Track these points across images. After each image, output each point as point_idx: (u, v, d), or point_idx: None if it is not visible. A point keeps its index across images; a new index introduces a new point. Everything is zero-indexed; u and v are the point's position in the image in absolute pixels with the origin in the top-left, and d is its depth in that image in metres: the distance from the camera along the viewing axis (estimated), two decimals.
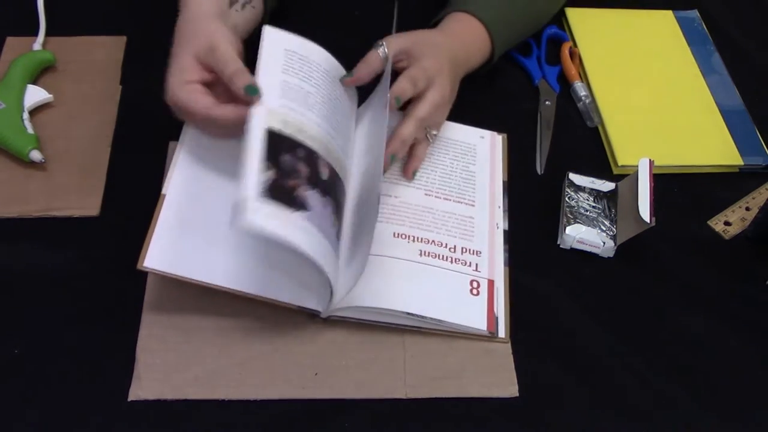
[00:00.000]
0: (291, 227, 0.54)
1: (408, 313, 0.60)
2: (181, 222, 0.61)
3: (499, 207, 0.70)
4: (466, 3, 0.74)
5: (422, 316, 0.61)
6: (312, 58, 0.66)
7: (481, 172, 0.72)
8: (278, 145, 0.57)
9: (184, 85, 0.61)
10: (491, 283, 0.65)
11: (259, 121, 0.58)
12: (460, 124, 0.75)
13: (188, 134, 0.67)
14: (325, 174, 0.60)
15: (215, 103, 0.60)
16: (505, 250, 0.68)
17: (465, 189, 0.70)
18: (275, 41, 0.65)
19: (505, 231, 0.69)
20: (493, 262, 0.66)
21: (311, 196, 0.57)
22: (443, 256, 0.65)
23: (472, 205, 0.69)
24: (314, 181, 0.58)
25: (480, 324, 0.62)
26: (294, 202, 0.55)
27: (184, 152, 0.66)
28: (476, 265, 0.65)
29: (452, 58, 0.70)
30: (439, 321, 0.61)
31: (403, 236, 0.65)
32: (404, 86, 0.65)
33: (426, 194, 0.69)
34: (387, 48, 0.66)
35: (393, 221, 0.66)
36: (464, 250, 0.66)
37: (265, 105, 0.59)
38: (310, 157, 0.59)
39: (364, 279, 0.58)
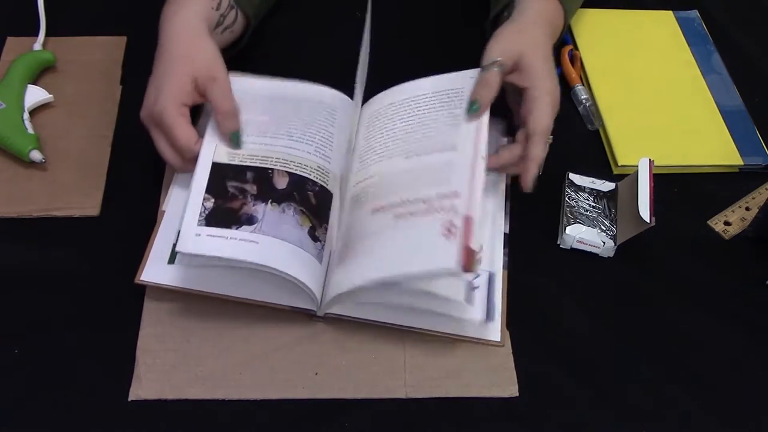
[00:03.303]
0: (233, 243, 0.59)
1: (376, 281, 0.57)
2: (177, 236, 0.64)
3: (484, 144, 0.63)
4: None
5: (392, 279, 0.56)
6: (260, 92, 0.70)
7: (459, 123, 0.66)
8: (223, 175, 0.63)
9: (180, 107, 0.63)
10: (468, 219, 0.57)
11: (205, 158, 0.64)
12: (449, 73, 0.70)
13: None
14: (281, 183, 0.64)
15: (197, 139, 0.64)
16: (504, 254, 0.67)
17: (447, 135, 0.65)
18: (239, 93, 0.68)
19: (505, 234, 0.69)
20: (473, 198, 0.58)
21: (260, 209, 0.62)
22: (417, 211, 0.59)
23: (454, 150, 0.63)
24: (266, 195, 0.63)
25: (448, 262, 0.54)
26: (237, 220, 0.60)
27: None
28: (452, 206, 0.58)
29: (546, 49, 0.67)
30: (407, 275, 0.56)
31: (381, 209, 0.61)
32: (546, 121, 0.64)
33: (407, 158, 0.65)
34: (501, 60, 0.64)
35: (371, 198, 0.63)
36: (439, 196, 0.60)
37: (213, 142, 0.65)
38: (261, 174, 0.64)
39: (344, 268, 0.60)
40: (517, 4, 0.70)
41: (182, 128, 0.63)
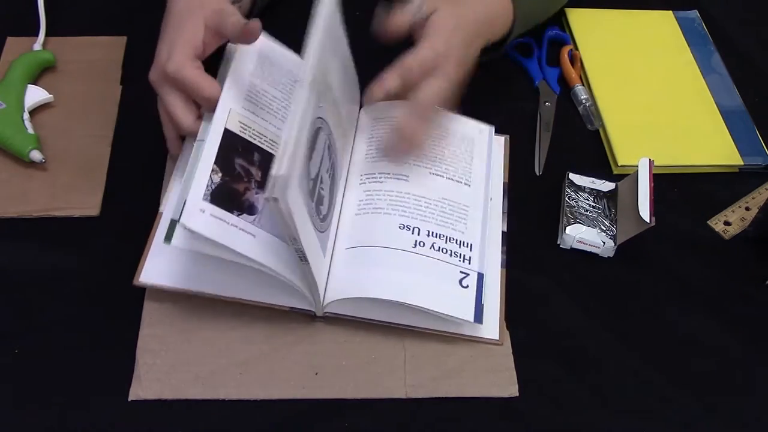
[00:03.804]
0: (233, 231, 0.56)
1: (394, 302, 0.59)
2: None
3: (491, 199, 0.68)
4: None
5: (409, 304, 0.59)
6: (283, 64, 0.67)
7: (479, 161, 0.70)
8: (233, 147, 0.59)
9: (193, 60, 0.61)
10: (480, 277, 0.63)
11: (218, 122, 0.59)
12: (459, 115, 0.72)
13: (185, 152, 0.68)
14: None
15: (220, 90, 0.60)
16: (503, 252, 0.67)
17: (463, 172, 0.68)
18: (330, 19, 0.64)
19: (503, 233, 0.69)
20: (483, 255, 0.64)
21: (261, 198, 0.59)
22: (437, 247, 0.63)
23: (468, 185, 0.68)
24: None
25: (467, 315, 0.60)
26: (240, 206, 0.57)
27: (181, 169, 0.67)
28: (468, 258, 0.64)
29: (470, 32, 0.66)
30: (427, 309, 0.60)
31: (408, 228, 0.63)
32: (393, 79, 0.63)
33: (431, 173, 0.67)
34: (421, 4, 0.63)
35: (398, 210, 0.64)
36: (457, 242, 0.64)
37: (227, 105, 0.60)
38: (268, 159, 0.61)
39: (353, 271, 0.60)
40: None
41: (207, 79, 0.60)
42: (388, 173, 0.67)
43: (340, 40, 0.66)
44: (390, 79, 0.63)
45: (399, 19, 0.64)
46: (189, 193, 0.55)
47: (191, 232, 0.54)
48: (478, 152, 0.71)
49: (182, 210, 0.54)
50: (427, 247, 0.62)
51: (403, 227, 0.63)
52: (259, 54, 0.65)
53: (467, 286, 0.62)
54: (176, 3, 0.64)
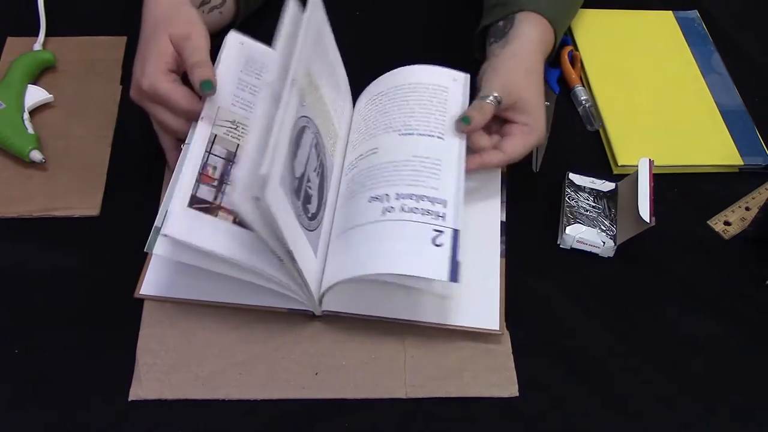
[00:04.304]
0: (214, 235, 0.56)
1: (366, 277, 0.57)
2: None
3: (463, 148, 0.65)
4: (529, 2, 0.72)
5: (381, 274, 0.57)
6: (330, 50, 0.67)
7: (454, 112, 0.67)
8: (219, 150, 0.60)
9: (166, 74, 0.61)
10: (456, 233, 0.59)
11: (203, 126, 0.59)
12: (430, 65, 0.70)
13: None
14: None
15: (198, 99, 0.61)
16: (502, 242, 0.67)
17: (435, 124, 0.66)
18: (236, 48, 0.66)
19: (502, 222, 0.69)
20: (458, 212, 0.60)
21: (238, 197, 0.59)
22: (407, 208, 0.60)
23: (441, 138, 0.65)
24: None
25: (440, 274, 0.56)
26: (225, 210, 0.57)
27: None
28: (441, 214, 0.60)
29: (540, 77, 0.70)
30: (398, 273, 0.56)
31: (377, 198, 0.62)
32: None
33: (401, 134, 0.66)
34: (495, 94, 0.65)
35: (368, 183, 0.63)
36: (429, 199, 0.61)
37: (214, 110, 0.61)
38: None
39: (333, 260, 0.60)
40: (513, 25, 0.71)
41: (179, 91, 0.60)
42: (361, 154, 0.66)
43: (325, 40, 0.66)
44: (496, 160, 0.67)
45: (481, 119, 0.65)
46: (172, 200, 0.56)
47: (173, 239, 0.54)
48: (452, 102, 0.68)
49: (164, 217, 0.55)
50: (397, 210, 0.60)
51: (373, 199, 0.62)
52: (246, 57, 0.66)
53: (441, 245, 0.58)
54: (146, 21, 0.65)
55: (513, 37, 0.70)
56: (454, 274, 0.56)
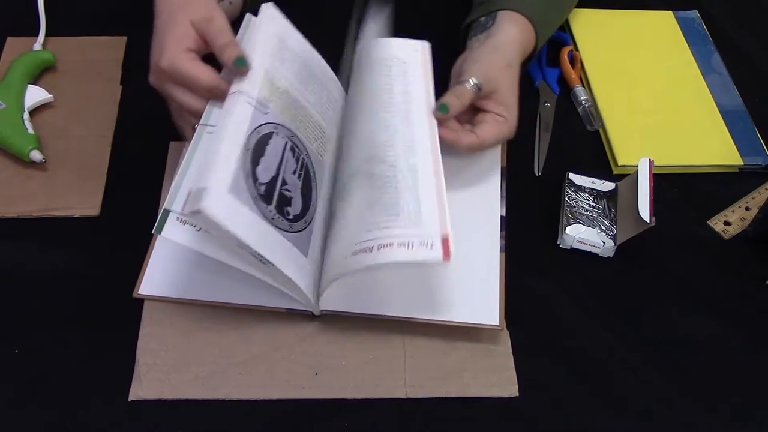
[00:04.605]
0: (246, 222, 0.54)
1: (363, 269, 0.56)
2: (174, 249, 0.64)
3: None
4: (510, 1, 0.73)
5: (378, 264, 0.55)
6: (297, 50, 0.67)
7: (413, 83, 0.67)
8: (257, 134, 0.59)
9: (185, 53, 0.60)
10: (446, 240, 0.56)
11: (244, 108, 0.58)
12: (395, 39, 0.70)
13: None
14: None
15: (219, 76, 0.60)
16: (501, 237, 0.67)
17: (403, 109, 0.65)
18: (271, 25, 0.65)
19: (502, 217, 0.69)
20: (444, 217, 0.58)
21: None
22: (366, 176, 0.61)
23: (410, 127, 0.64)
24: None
25: (435, 257, 0.55)
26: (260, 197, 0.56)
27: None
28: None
29: (517, 73, 0.70)
30: (396, 263, 0.55)
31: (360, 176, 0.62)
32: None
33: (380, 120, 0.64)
34: (476, 81, 0.66)
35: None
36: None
37: (249, 91, 0.60)
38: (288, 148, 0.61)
39: (327, 260, 0.60)
40: (494, 22, 0.72)
41: (201, 68, 0.60)
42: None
43: (290, 45, 0.67)
44: (468, 141, 0.66)
45: (459, 104, 0.66)
46: (211, 177, 0.53)
47: (210, 221, 0.51)
48: (413, 75, 0.68)
49: (188, 197, 0.53)
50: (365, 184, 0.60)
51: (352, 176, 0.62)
52: (278, 39, 0.65)
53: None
54: (161, 9, 0.64)
55: (494, 32, 0.71)
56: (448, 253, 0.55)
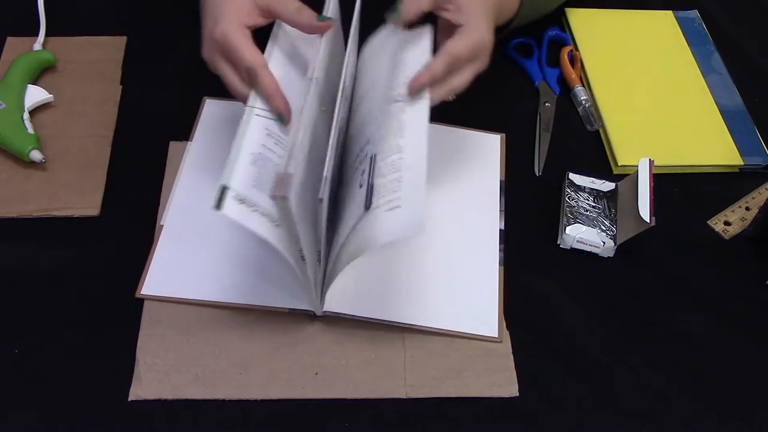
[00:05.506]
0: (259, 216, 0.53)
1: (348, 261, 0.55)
2: (176, 249, 0.65)
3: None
4: None
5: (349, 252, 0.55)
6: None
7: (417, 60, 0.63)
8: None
9: (241, 27, 0.59)
10: (372, 159, 0.56)
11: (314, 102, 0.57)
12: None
13: (187, 161, 0.70)
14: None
15: (265, 63, 0.58)
16: (500, 250, 0.68)
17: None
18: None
19: (501, 230, 0.69)
20: (381, 135, 0.57)
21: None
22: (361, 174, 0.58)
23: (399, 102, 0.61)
24: None
25: (358, 211, 0.54)
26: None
27: (182, 181, 0.68)
28: (368, 155, 0.57)
29: (492, 13, 0.65)
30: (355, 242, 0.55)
31: (360, 185, 0.60)
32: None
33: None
34: None
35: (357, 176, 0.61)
36: (363, 150, 0.59)
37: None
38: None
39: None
40: None
41: (248, 47, 0.58)
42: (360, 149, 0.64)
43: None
44: (437, 66, 0.60)
45: (414, 7, 0.61)
46: (233, 172, 0.53)
47: (288, 210, 0.50)
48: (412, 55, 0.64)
49: (277, 181, 0.49)
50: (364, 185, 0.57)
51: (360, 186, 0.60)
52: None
53: (362, 186, 0.56)
54: None
55: None
56: (368, 202, 0.54)
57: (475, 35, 0.62)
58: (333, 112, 0.62)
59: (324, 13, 0.61)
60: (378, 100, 0.61)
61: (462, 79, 0.62)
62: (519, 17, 0.73)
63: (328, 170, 0.52)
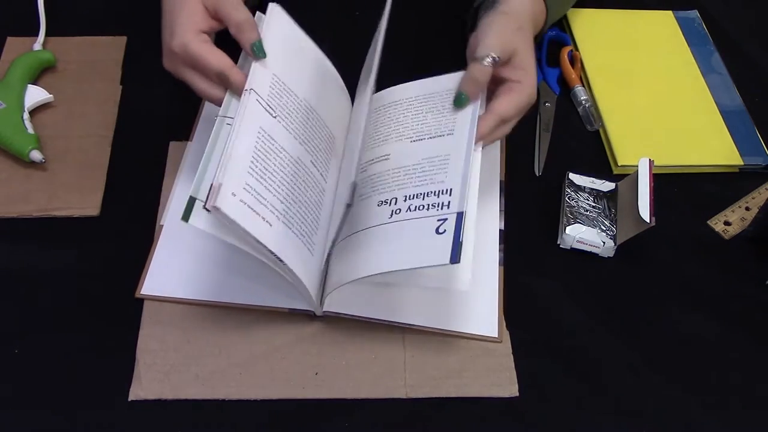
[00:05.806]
0: (256, 217, 0.54)
1: (373, 278, 0.57)
2: (176, 249, 0.65)
3: (474, 142, 0.62)
4: None
5: (385, 272, 0.57)
6: (307, 55, 0.67)
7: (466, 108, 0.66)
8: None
9: (198, 35, 0.59)
10: (459, 216, 0.57)
11: (255, 108, 0.58)
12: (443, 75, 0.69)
13: (187, 161, 0.70)
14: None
15: (233, 63, 0.59)
16: (500, 250, 0.68)
17: (446, 124, 0.65)
18: (278, 24, 0.65)
19: (500, 231, 0.69)
20: (465, 194, 0.58)
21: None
22: (414, 207, 0.60)
23: (451, 134, 0.64)
24: None
25: (442, 259, 0.55)
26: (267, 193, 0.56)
27: (182, 181, 0.68)
28: (446, 204, 0.59)
29: (531, 36, 0.67)
30: (402, 269, 0.57)
31: (385, 203, 0.62)
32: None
33: (412, 141, 0.65)
34: (493, 54, 0.62)
35: (378, 188, 0.63)
36: (435, 193, 0.60)
37: (260, 91, 0.59)
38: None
39: (338, 261, 0.60)
40: None
41: (211, 53, 0.58)
42: (372, 159, 0.66)
43: (302, 46, 0.67)
44: (484, 129, 0.62)
45: (481, 77, 0.63)
46: (225, 175, 0.53)
47: (223, 216, 0.52)
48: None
49: (210, 192, 0.52)
50: (404, 211, 0.60)
51: (381, 203, 0.61)
52: (284, 37, 0.65)
53: (444, 232, 0.57)
54: None
55: (504, 4, 0.67)
56: (455, 256, 0.54)
57: (525, 95, 0.64)
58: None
59: (376, 35, 0.63)
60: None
61: (506, 130, 0.65)
62: (545, 30, 0.74)
63: (353, 175, 0.54)
